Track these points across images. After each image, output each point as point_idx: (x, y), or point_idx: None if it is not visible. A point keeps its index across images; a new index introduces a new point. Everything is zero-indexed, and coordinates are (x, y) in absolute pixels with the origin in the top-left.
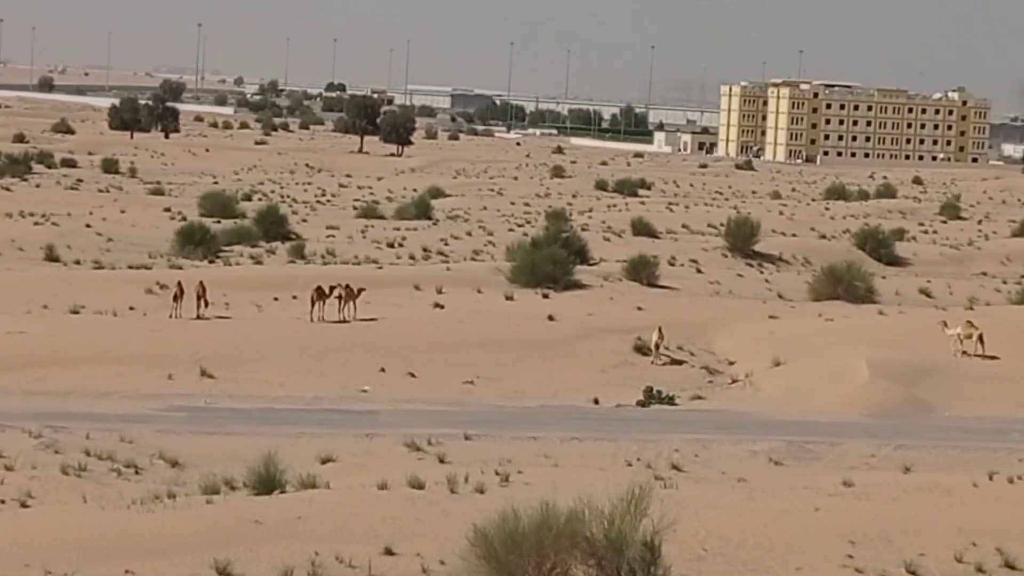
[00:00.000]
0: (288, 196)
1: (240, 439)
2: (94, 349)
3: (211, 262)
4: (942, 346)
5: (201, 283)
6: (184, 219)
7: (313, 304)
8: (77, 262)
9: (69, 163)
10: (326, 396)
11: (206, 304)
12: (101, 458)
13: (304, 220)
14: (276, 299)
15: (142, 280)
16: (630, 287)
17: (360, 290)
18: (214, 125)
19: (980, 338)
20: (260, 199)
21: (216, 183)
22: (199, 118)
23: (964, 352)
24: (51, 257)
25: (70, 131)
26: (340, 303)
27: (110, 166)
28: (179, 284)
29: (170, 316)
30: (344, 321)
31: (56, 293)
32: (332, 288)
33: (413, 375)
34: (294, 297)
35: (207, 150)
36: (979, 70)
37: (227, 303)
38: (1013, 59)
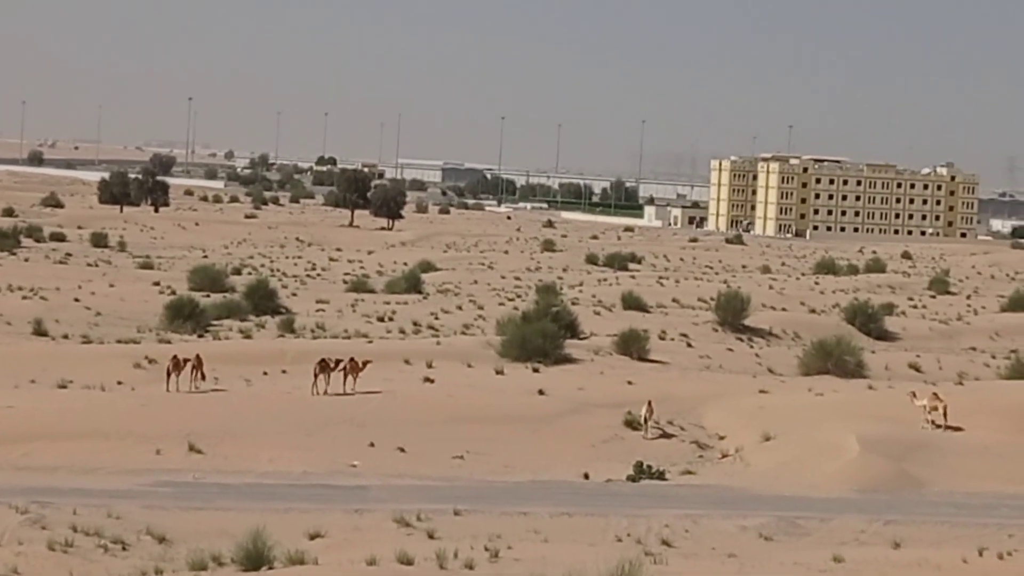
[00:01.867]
0: (278, 270)
1: (228, 514)
2: (82, 424)
3: (200, 336)
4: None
5: (197, 356)
6: (173, 293)
7: (316, 377)
8: (65, 336)
9: (58, 237)
10: (315, 471)
11: (203, 377)
12: (88, 534)
13: (294, 294)
14: (265, 373)
15: (130, 355)
16: (620, 361)
17: (366, 363)
18: (204, 199)
19: (944, 411)
20: (250, 273)
21: (206, 257)
22: (189, 192)
23: (933, 423)
24: (39, 331)
25: (59, 205)
26: (344, 376)
27: (99, 240)
28: (175, 358)
29: (167, 390)
30: (348, 394)
31: (44, 367)
32: (338, 361)
33: (403, 450)
34: (283, 371)
35: (197, 224)
36: (968, 146)
37: (216, 377)
38: (1001, 135)
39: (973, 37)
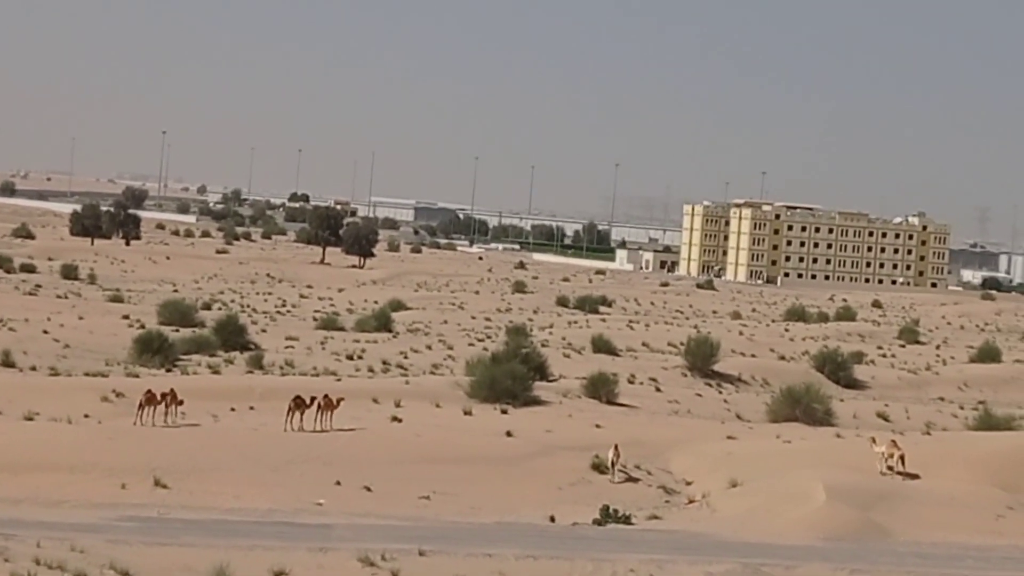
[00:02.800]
0: (248, 306)
1: (193, 550)
2: (47, 456)
3: (168, 371)
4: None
5: (172, 391)
6: (143, 327)
7: (290, 413)
8: (33, 368)
9: (28, 268)
10: (280, 508)
11: (176, 412)
12: (51, 567)
13: (264, 330)
14: (233, 409)
15: (98, 388)
16: (589, 404)
17: (339, 400)
18: (176, 233)
19: (902, 458)
20: (220, 308)
21: (176, 291)
22: (161, 225)
23: (891, 470)
24: (7, 363)
25: (30, 236)
26: (319, 413)
27: (69, 272)
28: (149, 392)
29: (135, 423)
30: (324, 431)
31: (11, 399)
32: (313, 399)
33: (369, 489)
34: (251, 408)
35: (168, 258)
36: (939, 196)
37: (183, 412)
38: (973, 186)
39: (947, 88)
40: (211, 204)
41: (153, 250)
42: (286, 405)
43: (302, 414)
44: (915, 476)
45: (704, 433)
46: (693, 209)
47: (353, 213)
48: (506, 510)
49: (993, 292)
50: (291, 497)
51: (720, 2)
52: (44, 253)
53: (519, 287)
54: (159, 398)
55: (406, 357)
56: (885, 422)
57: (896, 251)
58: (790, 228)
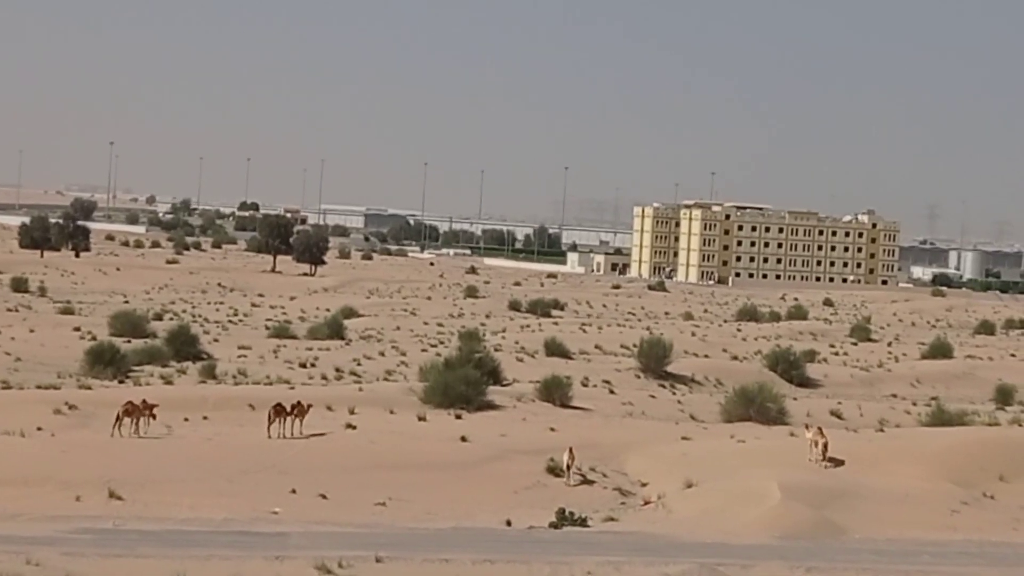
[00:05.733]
0: (200, 316)
1: (148, 562)
2: (1, 470)
3: (121, 382)
4: (854, 467)
5: (144, 401)
6: (94, 339)
7: (271, 421)
8: None
9: None
10: (236, 518)
11: (148, 422)
12: None
13: (216, 340)
14: (187, 419)
15: (51, 400)
16: (543, 408)
17: (309, 406)
18: (125, 244)
19: (824, 447)
20: (171, 318)
21: (127, 302)
22: (110, 237)
23: (822, 459)
24: None
25: None
26: (293, 419)
27: (19, 285)
28: (129, 403)
29: (112, 435)
30: (298, 437)
31: None
32: (294, 406)
33: (324, 496)
34: (205, 418)
35: (118, 269)
36: (888, 193)
37: (134, 423)
38: (922, 183)
39: (894, 86)
40: (160, 214)
41: (103, 261)
42: (266, 414)
43: (283, 421)
44: (840, 463)
45: (659, 434)
46: (643, 211)
47: (303, 221)
48: (462, 515)
49: (943, 288)
50: (247, 506)
51: (665, 3)
52: None
53: (471, 292)
54: (139, 408)
55: (359, 364)
56: (839, 420)
57: (846, 249)
58: (740, 228)
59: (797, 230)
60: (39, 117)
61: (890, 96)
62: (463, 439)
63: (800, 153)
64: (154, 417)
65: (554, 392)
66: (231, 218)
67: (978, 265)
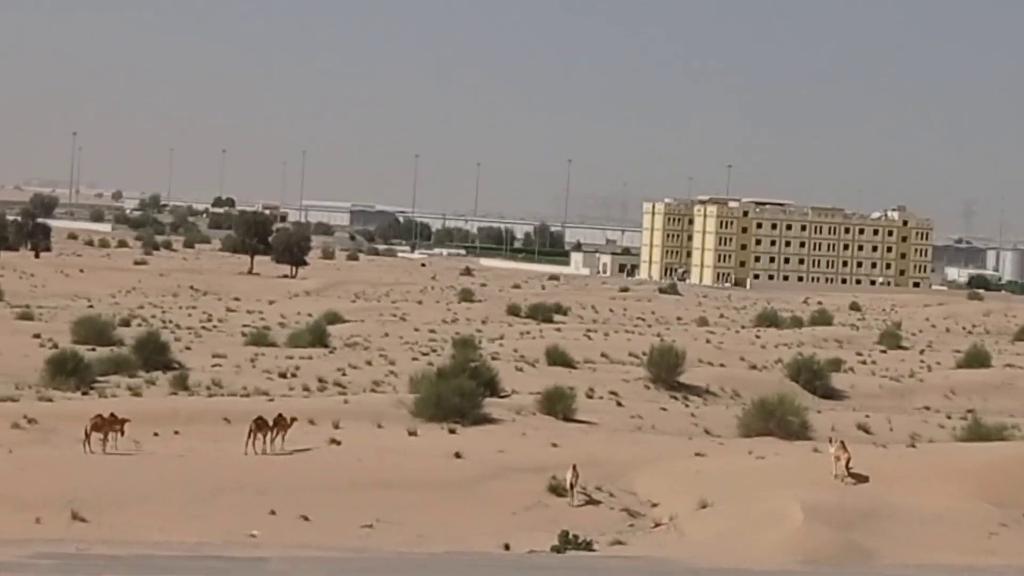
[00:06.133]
0: (170, 321)
1: None
2: None
3: (84, 394)
4: (883, 485)
5: (113, 414)
6: (55, 346)
7: (252, 436)
8: None
9: None
10: (210, 541)
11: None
12: None
13: (188, 348)
14: (156, 434)
15: (8, 414)
16: (544, 421)
17: (292, 420)
18: (89, 243)
19: (847, 462)
20: (139, 325)
21: (91, 307)
22: (73, 236)
23: (845, 474)
24: None
25: None
26: (275, 434)
27: None
28: (98, 417)
29: (85, 451)
30: (280, 453)
31: None
32: (276, 420)
33: (306, 518)
34: (176, 432)
35: (81, 271)
36: (921, 188)
37: (101, 438)
38: (957, 177)
39: (927, 73)
40: (127, 211)
41: (65, 262)
42: (247, 428)
43: (265, 435)
44: (864, 479)
45: (670, 450)
46: (654, 207)
47: (283, 218)
48: (456, 538)
49: (980, 291)
50: (222, 529)
51: None
52: None
53: (466, 295)
54: (109, 422)
55: (344, 374)
56: (866, 434)
57: (875, 249)
58: (759, 226)
59: (821, 228)
60: None
61: (923, 83)
62: (457, 455)
63: (824, 144)
64: (122, 433)
65: (556, 404)
66: (204, 215)
67: (1018, 266)
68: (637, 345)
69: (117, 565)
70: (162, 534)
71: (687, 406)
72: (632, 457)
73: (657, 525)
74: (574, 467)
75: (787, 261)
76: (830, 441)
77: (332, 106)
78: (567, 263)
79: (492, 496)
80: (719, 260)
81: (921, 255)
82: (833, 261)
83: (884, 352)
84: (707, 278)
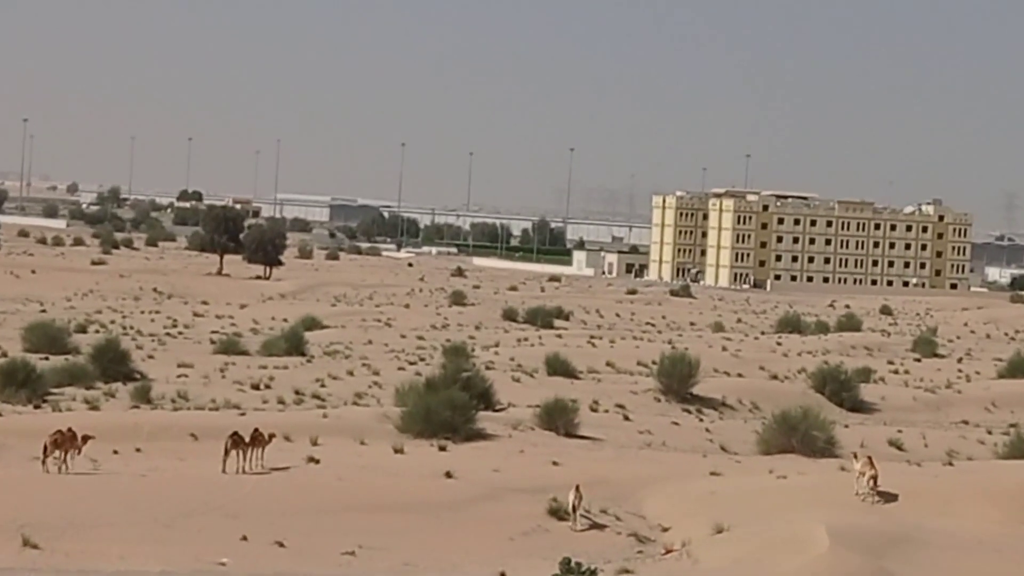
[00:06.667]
0: (131, 327)
1: None
2: None
3: (37, 407)
4: (917, 508)
5: (70, 429)
6: (4, 355)
7: (227, 453)
8: None
9: None
10: (176, 570)
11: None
12: None
13: (151, 356)
14: (116, 452)
15: None
16: (544, 437)
17: (271, 436)
18: (42, 241)
19: (873, 479)
20: (97, 331)
21: (44, 311)
22: (24, 232)
23: (871, 491)
24: None
25: None
26: (253, 451)
27: None
28: (58, 432)
29: (45, 471)
30: (261, 472)
31: None
32: (253, 435)
33: (282, 544)
34: (138, 450)
35: (33, 271)
36: (958, 180)
37: (55, 456)
38: (998, 167)
39: (965, 54)
40: (84, 206)
41: (15, 262)
42: (222, 445)
43: (241, 453)
44: (893, 497)
45: (683, 469)
46: (664, 201)
47: (256, 213)
48: (447, 566)
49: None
50: (188, 556)
51: None
52: None
53: (457, 299)
54: (70, 439)
55: (323, 386)
56: (899, 451)
57: (908, 247)
58: (781, 222)
59: (849, 224)
60: None
61: (962, 63)
62: (448, 475)
63: (852, 131)
64: (79, 451)
65: (557, 419)
66: (169, 210)
67: None
68: (646, 353)
69: None
70: (123, 562)
71: (701, 420)
72: (641, 477)
73: (668, 552)
74: (577, 488)
75: (811, 260)
76: (854, 456)
77: (310, 90)
78: (569, 263)
79: (486, 520)
80: (736, 259)
81: (959, 253)
82: (862, 260)
83: (918, 361)
84: (723, 279)
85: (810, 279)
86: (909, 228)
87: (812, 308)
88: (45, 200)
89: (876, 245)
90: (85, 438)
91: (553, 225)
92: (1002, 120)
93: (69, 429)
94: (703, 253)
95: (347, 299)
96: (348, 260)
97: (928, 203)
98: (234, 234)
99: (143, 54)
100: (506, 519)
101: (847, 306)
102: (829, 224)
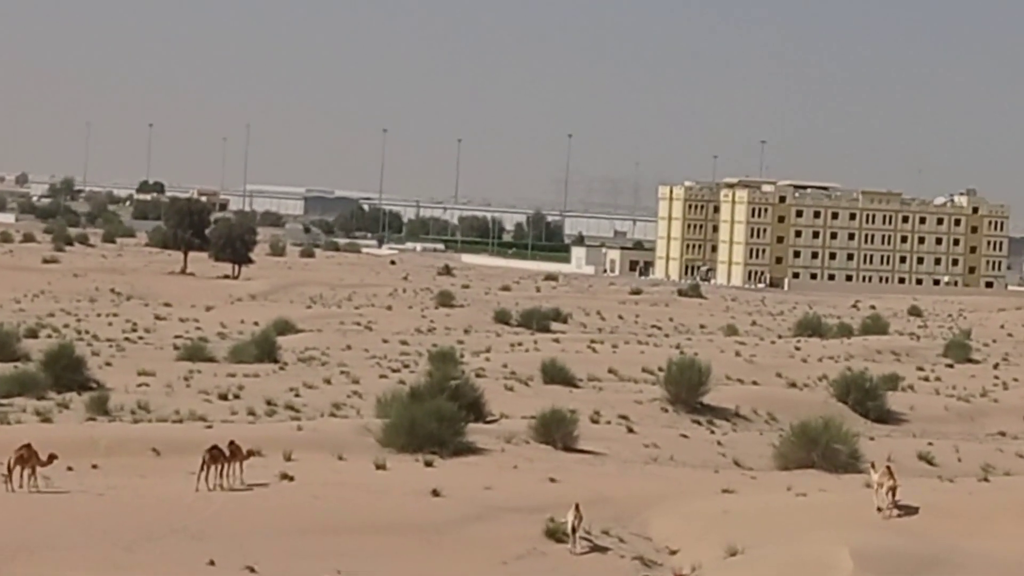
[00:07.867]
0: (87, 332)
1: None
2: None
3: None
4: (950, 528)
5: (29, 446)
6: None
7: (206, 468)
8: None
9: None
10: None
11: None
12: None
13: (108, 364)
14: (70, 469)
15: None
16: (540, 452)
17: (250, 452)
18: None
19: (892, 490)
20: (50, 336)
21: None
22: None
23: (892, 505)
24: None
25: None
26: (230, 465)
27: None
28: (24, 448)
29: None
30: (240, 488)
31: None
32: (235, 448)
33: (252, 570)
34: (95, 466)
35: None
36: (994, 169)
37: (4, 474)
38: None
39: (1000, 28)
40: (35, 198)
41: None
42: (199, 459)
43: (220, 468)
44: (914, 511)
45: (692, 486)
46: (671, 192)
47: (223, 207)
48: None
49: None
50: None
51: None
52: None
53: (445, 300)
54: (36, 455)
55: (298, 395)
56: (929, 466)
57: (939, 241)
58: (799, 214)
59: (873, 216)
60: None
61: (995, 41)
62: (435, 493)
63: (876, 116)
64: (33, 472)
65: (554, 431)
66: (128, 203)
67: None
68: (652, 359)
69: None
70: None
71: (712, 432)
72: (646, 494)
73: None
74: (576, 507)
75: (833, 257)
76: (872, 466)
77: (282, 70)
78: (567, 260)
79: (477, 542)
80: (751, 256)
81: (995, 249)
82: (888, 257)
83: (950, 367)
84: (736, 278)
85: (831, 277)
86: (940, 221)
87: (834, 309)
88: None
89: (904, 240)
90: (51, 457)
91: (549, 219)
92: None
93: (28, 445)
94: (714, 249)
95: (324, 300)
96: (325, 258)
97: (961, 193)
98: (199, 229)
99: (99, 32)
100: (499, 541)
101: (872, 307)
102: (852, 217)
